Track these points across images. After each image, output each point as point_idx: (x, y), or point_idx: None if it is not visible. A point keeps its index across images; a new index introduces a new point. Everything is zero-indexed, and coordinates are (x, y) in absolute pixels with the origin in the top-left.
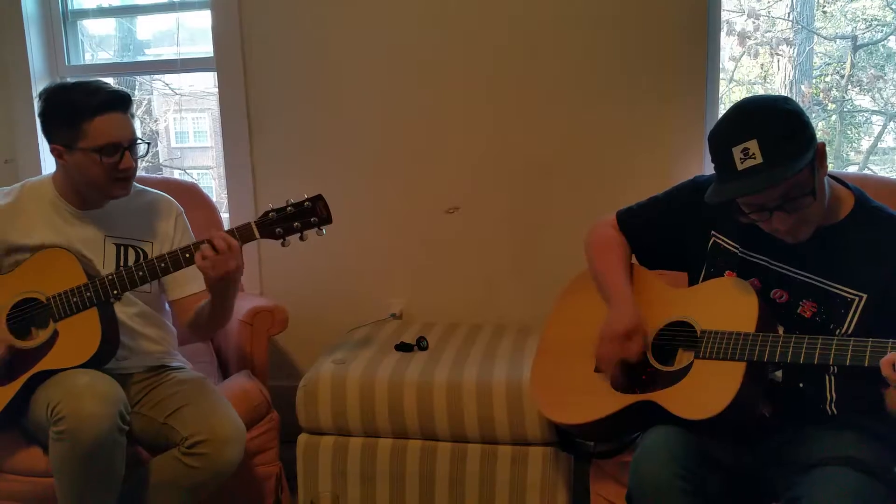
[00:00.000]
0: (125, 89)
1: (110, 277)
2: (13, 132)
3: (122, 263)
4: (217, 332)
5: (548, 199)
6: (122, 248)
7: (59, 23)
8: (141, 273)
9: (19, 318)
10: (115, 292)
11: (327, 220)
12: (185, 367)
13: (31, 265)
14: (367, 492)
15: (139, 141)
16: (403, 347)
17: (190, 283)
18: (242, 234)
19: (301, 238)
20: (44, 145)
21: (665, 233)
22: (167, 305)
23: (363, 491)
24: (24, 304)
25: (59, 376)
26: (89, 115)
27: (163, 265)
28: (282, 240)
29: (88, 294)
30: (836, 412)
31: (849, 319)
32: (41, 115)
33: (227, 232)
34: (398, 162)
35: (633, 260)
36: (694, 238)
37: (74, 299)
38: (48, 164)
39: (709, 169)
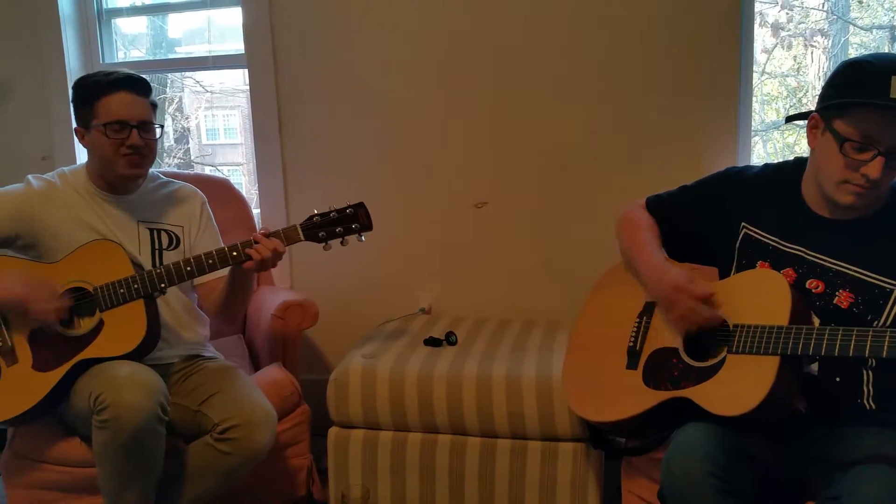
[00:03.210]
0: (144, 77)
1: (158, 271)
2: (50, 130)
3: (156, 247)
4: (242, 313)
5: (577, 194)
6: (155, 231)
7: (94, 21)
8: (189, 269)
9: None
10: (163, 286)
11: (368, 227)
12: (218, 357)
13: (81, 255)
14: (398, 485)
15: (153, 124)
16: (432, 342)
17: None
18: (288, 236)
19: (342, 243)
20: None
21: (693, 222)
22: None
23: (393, 484)
24: (71, 293)
25: (101, 366)
26: (101, 94)
27: (210, 262)
28: (324, 243)
29: (136, 286)
30: (873, 407)
31: (887, 310)
32: (71, 102)
33: (273, 234)
34: (427, 157)
35: None
36: (723, 230)
37: (122, 290)
38: (84, 161)
39: (742, 161)
